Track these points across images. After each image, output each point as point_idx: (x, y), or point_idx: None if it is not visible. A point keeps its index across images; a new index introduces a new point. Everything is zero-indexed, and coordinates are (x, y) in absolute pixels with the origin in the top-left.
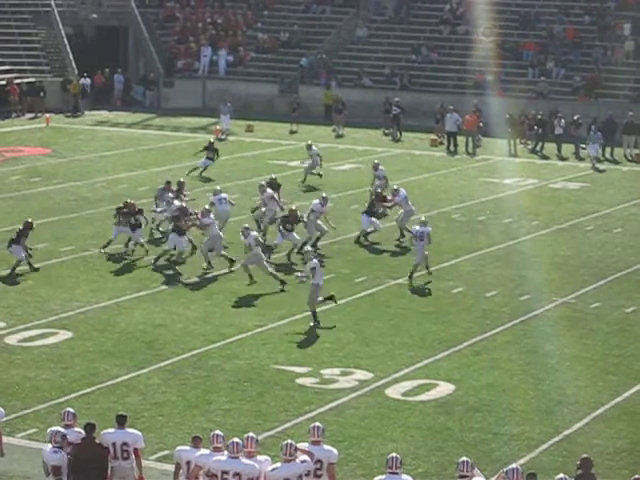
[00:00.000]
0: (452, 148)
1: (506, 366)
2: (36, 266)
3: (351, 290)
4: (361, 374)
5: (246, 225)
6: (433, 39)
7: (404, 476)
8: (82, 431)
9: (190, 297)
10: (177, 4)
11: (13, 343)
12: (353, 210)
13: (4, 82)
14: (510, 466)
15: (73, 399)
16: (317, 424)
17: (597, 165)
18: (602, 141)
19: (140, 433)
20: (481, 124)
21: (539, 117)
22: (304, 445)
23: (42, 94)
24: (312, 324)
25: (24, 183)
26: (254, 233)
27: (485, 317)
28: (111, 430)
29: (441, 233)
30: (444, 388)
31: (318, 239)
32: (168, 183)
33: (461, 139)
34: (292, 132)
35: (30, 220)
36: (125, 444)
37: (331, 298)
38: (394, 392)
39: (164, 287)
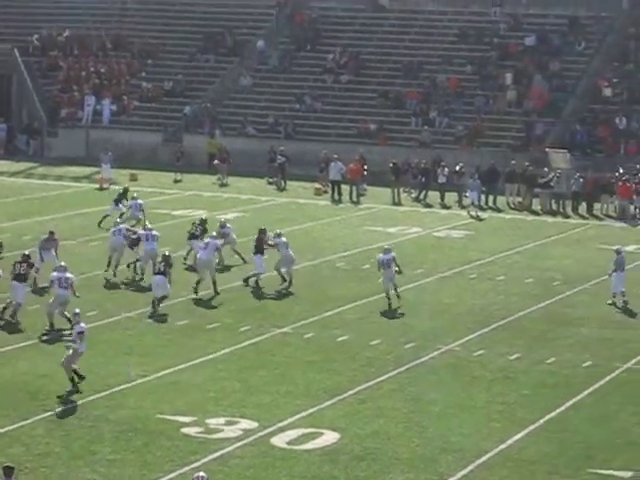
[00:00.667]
0: (336, 197)
1: (391, 414)
2: None
3: (235, 339)
4: (246, 423)
5: None
6: (317, 88)
7: None
8: None
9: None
10: (60, 53)
11: None
12: (236, 259)
13: None
14: None
15: None
16: (201, 474)
17: (478, 213)
18: (483, 188)
19: None
20: (365, 173)
21: (422, 166)
22: None
23: None
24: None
25: None
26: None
27: (370, 365)
28: None
29: (326, 281)
30: (329, 437)
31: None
32: (51, 233)
33: (345, 188)
34: (176, 181)
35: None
36: None
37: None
38: (279, 441)
39: (47, 337)
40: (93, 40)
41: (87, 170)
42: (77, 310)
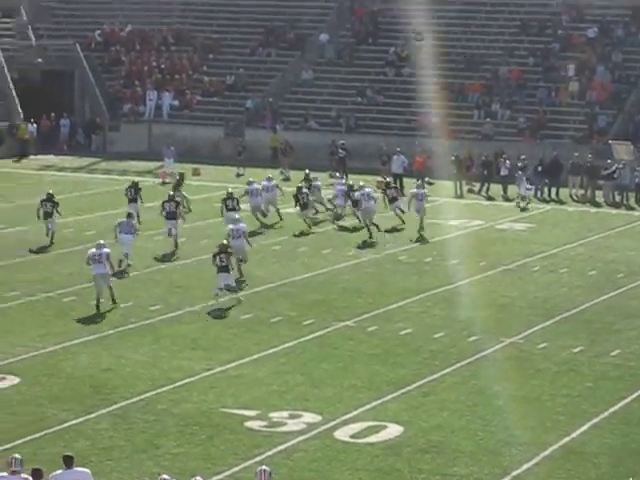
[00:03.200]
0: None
1: (454, 407)
2: None
3: (299, 332)
4: (310, 417)
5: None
6: (378, 81)
7: None
8: (29, 477)
9: (138, 341)
10: (122, 48)
11: None
12: (301, 252)
13: None
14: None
15: (21, 445)
16: (264, 467)
17: (522, 204)
18: (545, 181)
19: (89, 471)
20: (428, 165)
21: (484, 158)
22: None
23: None
24: None
25: None
26: None
27: (433, 358)
28: (59, 471)
29: (388, 274)
30: (393, 430)
31: None
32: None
33: (408, 181)
34: (239, 175)
35: None
36: None
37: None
38: (343, 434)
39: (111, 331)
40: (155, 35)
41: (150, 165)
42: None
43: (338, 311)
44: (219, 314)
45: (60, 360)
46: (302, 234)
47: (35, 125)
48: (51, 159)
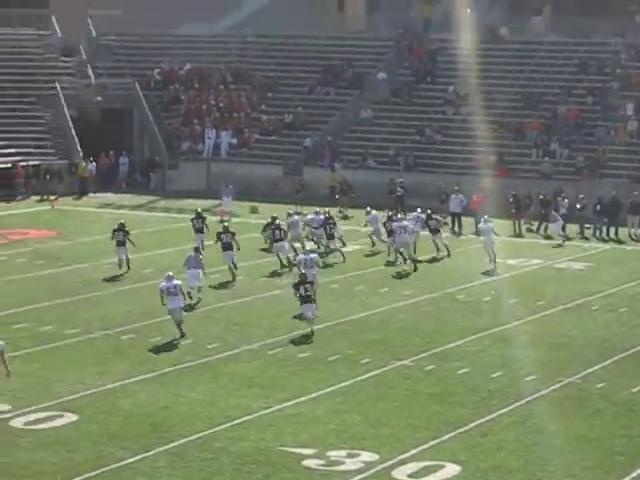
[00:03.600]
0: (456, 229)
1: (512, 447)
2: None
3: (356, 371)
4: (367, 456)
5: None
6: (437, 120)
7: None
8: None
9: (195, 379)
10: (181, 87)
11: (19, 426)
12: (358, 291)
13: (9, 165)
14: None
15: None
16: None
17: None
18: (604, 220)
19: None
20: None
21: (542, 197)
22: None
23: (47, 177)
24: None
25: (29, 266)
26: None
27: (491, 398)
28: None
29: (446, 314)
30: (450, 469)
31: None
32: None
33: (467, 220)
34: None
35: None
36: None
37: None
38: (400, 474)
39: (170, 369)
40: (213, 73)
41: (208, 203)
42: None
43: (395, 350)
44: (277, 353)
45: (118, 398)
46: (357, 271)
47: (94, 163)
48: (110, 197)
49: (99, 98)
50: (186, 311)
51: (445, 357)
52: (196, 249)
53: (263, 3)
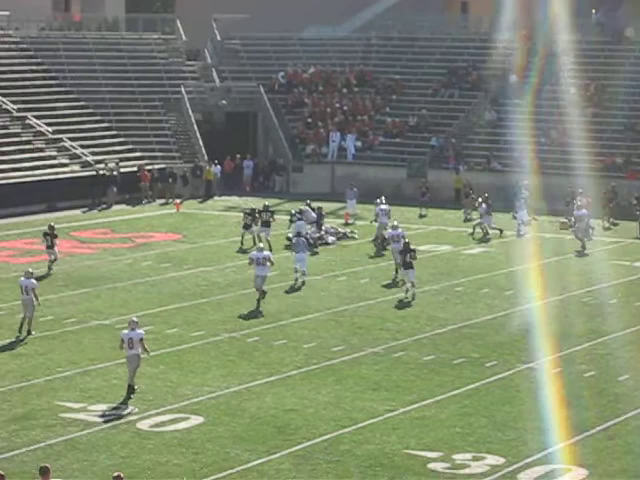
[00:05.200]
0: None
1: None
2: (163, 350)
3: (482, 374)
4: (493, 459)
5: None
6: (562, 122)
7: None
8: None
9: (320, 382)
10: (305, 90)
11: (145, 428)
12: (483, 294)
13: (135, 169)
14: None
15: None
16: None
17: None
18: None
19: None
20: (611, 206)
21: None
22: None
23: (172, 180)
24: None
25: (155, 269)
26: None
27: (617, 401)
28: None
29: (572, 316)
30: (577, 473)
31: None
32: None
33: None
34: (421, 216)
35: None
36: None
37: None
38: (526, 477)
39: (294, 372)
40: (338, 76)
41: (333, 206)
42: None
43: (521, 353)
44: (401, 356)
45: (244, 400)
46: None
47: (219, 166)
48: (235, 200)
49: (224, 102)
50: (287, 292)
51: (571, 360)
52: (298, 234)
53: (387, 5)
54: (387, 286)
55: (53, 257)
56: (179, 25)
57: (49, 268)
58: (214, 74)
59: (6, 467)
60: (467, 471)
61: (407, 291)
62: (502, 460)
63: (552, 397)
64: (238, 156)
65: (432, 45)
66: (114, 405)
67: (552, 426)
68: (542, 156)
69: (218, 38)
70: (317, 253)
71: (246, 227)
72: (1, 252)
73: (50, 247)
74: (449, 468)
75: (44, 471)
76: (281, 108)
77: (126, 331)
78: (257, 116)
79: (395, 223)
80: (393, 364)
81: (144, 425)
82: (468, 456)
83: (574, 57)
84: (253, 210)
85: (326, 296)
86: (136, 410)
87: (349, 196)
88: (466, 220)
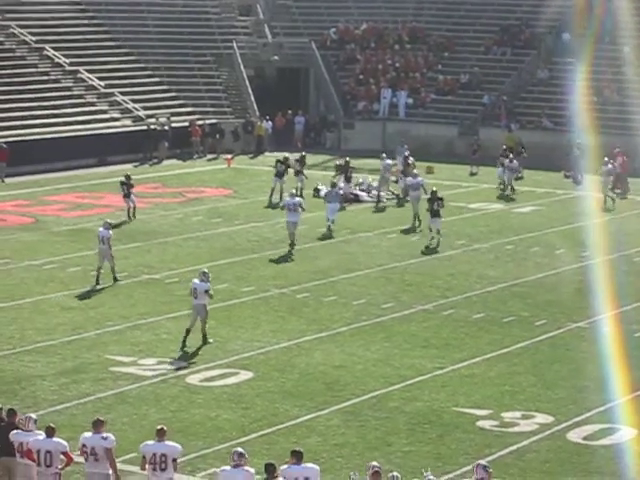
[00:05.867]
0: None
1: None
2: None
3: (531, 333)
4: (542, 417)
5: None
6: (615, 81)
7: None
8: (251, 470)
9: (370, 338)
10: (357, 46)
11: (195, 383)
12: (533, 253)
13: (187, 124)
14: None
15: (253, 439)
16: (481, 462)
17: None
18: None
19: (317, 467)
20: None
21: None
22: None
23: (219, 136)
24: None
25: (206, 224)
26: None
27: None
28: (285, 466)
29: (623, 276)
30: (626, 432)
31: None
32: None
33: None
34: (472, 174)
35: None
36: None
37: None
38: (575, 436)
39: (344, 328)
40: (390, 33)
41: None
42: None
43: (571, 312)
44: (451, 313)
45: (293, 356)
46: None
47: (270, 122)
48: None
49: (275, 57)
50: (320, 240)
51: (622, 319)
52: (333, 185)
53: None
54: (406, 231)
55: (132, 205)
56: None
57: (129, 217)
58: (266, 30)
59: (56, 419)
60: (516, 429)
61: (432, 238)
62: (551, 419)
63: (601, 356)
64: (289, 112)
65: (484, 2)
66: (164, 359)
67: (601, 385)
68: (596, 115)
69: None
70: (344, 208)
71: (278, 175)
72: (52, 206)
73: (127, 196)
74: (498, 426)
75: (98, 424)
76: (332, 64)
77: (197, 280)
78: (309, 72)
79: (415, 171)
80: (443, 322)
81: (194, 380)
82: (517, 414)
83: (630, 16)
84: (286, 159)
85: (377, 253)
86: (185, 365)
87: (399, 153)
88: (517, 179)
